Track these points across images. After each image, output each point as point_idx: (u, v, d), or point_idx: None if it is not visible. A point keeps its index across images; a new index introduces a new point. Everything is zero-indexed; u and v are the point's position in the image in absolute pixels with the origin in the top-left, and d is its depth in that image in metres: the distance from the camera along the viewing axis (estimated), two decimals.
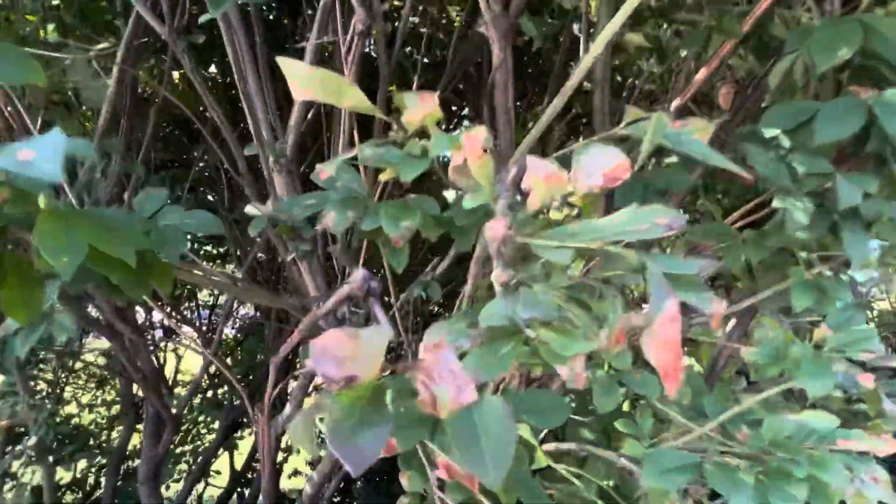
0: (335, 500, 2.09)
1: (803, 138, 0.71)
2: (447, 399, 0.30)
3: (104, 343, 2.37)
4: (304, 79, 0.43)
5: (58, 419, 2.67)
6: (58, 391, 2.69)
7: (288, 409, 1.89)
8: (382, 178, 0.55)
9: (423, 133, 0.53)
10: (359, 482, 2.01)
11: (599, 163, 0.51)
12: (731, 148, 1.03)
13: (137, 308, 2.15)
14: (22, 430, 2.01)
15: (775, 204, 0.69)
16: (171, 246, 0.56)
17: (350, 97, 0.45)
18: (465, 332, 0.39)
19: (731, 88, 0.92)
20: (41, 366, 2.46)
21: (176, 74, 1.89)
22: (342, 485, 1.95)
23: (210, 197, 2.45)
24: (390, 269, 0.73)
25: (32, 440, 1.74)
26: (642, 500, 0.88)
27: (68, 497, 2.68)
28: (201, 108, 1.96)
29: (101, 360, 2.80)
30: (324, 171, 0.54)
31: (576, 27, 1.43)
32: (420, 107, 0.51)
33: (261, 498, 1.69)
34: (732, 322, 1.04)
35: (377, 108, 0.49)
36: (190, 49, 1.20)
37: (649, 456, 0.63)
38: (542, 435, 1.01)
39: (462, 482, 0.62)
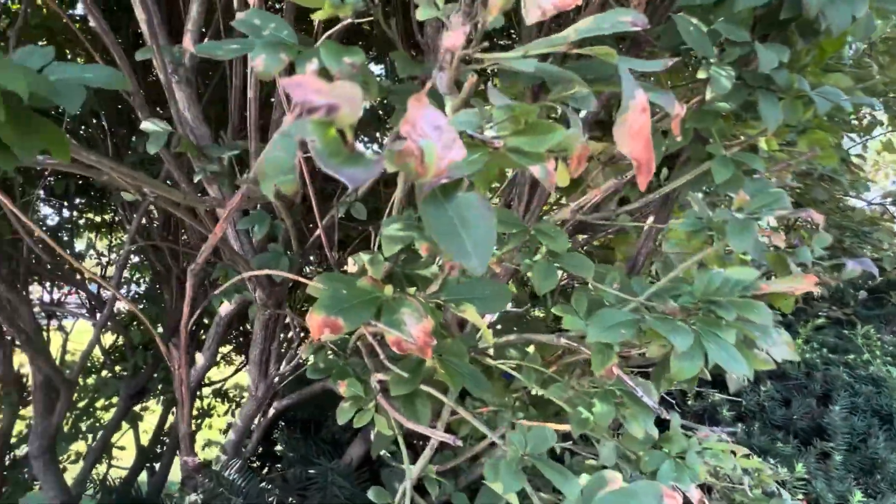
0: (260, 450, 2.02)
1: (724, 13, 0.74)
2: (434, 155, 0.27)
3: None
4: None
5: None
6: None
7: (201, 358, 1.78)
8: (316, 17, 0.50)
9: None
10: (281, 431, 1.94)
11: None
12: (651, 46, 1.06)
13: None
14: None
15: (700, 74, 0.72)
16: (69, 98, 0.47)
17: None
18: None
19: None
20: None
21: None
22: (265, 435, 1.87)
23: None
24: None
25: None
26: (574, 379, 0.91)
27: None
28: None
29: None
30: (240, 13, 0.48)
31: None
32: None
33: (181, 452, 1.58)
34: (651, 219, 1.10)
35: None
36: None
37: (594, 316, 0.65)
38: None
39: (414, 353, 0.60)
